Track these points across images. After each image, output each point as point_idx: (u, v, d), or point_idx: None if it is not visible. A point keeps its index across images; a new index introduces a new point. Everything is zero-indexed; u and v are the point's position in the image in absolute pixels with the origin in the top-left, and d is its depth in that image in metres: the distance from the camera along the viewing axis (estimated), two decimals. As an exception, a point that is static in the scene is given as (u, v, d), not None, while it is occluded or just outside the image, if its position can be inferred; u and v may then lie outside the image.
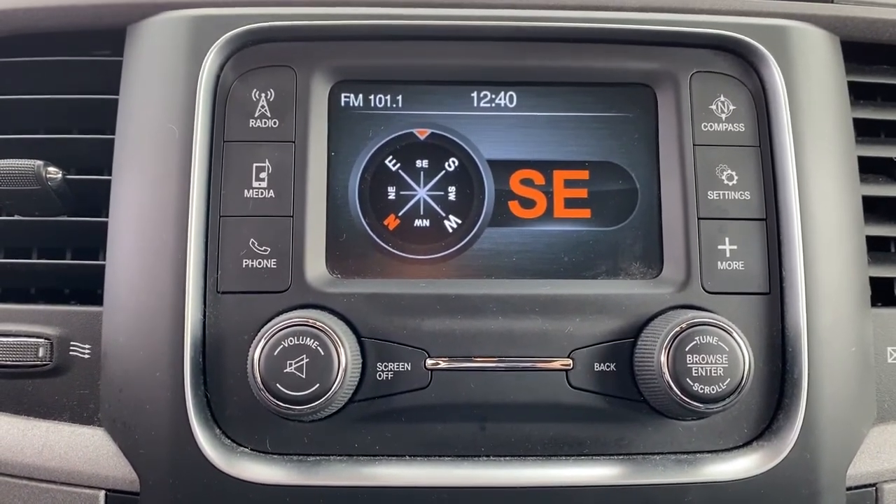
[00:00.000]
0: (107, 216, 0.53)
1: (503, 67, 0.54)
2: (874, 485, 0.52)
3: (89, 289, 0.53)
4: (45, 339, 0.51)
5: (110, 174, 0.54)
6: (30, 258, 0.54)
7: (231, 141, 0.51)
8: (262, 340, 0.46)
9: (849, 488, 0.51)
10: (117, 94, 0.55)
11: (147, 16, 0.54)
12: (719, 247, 0.51)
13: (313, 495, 0.48)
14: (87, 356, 0.51)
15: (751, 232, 0.51)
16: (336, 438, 0.49)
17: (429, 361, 0.49)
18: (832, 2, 0.58)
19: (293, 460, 0.48)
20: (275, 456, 0.48)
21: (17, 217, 0.55)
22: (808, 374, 0.50)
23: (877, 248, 0.59)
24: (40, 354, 0.50)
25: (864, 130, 0.59)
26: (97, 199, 0.54)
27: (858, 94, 0.60)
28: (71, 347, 0.51)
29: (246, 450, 0.49)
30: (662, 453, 0.49)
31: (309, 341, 0.45)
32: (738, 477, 0.49)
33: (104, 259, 0.53)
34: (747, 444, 0.50)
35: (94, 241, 0.54)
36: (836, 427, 0.51)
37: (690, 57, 0.54)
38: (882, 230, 0.57)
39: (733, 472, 0.49)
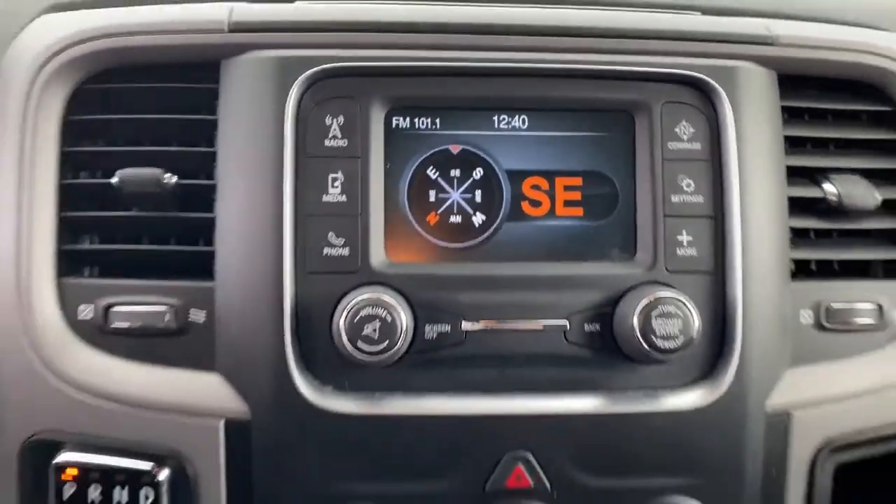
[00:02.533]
0: (210, 212, 0.63)
1: (518, 97, 0.64)
2: (787, 412, 0.64)
3: (200, 268, 0.62)
4: (171, 306, 0.61)
5: (210, 179, 0.63)
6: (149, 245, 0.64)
7: (311, 156, 0.61)
8: (345, 311, 0.58)
9: (768, 414, 0.63)
10: (213, 114, 0.64)
11: (237, 54, 0.62)
12: (678, 238, 0.62)
13: (378, 421, 0.60)
14: (202, 321, 0.61)
15: (702, 227, 0.63)
16: (396, 380, 0.60)
17: (464, 324, 0.60)
18: (772, 45, 0.67)
19: (365, 396, 0.60)
20: (351, 393, 0.60)
21: (140, 213, 0.64)
22: (741, 333, 0.62)
23: (799, 235, 0.69)
24: (167, 319, 0.61)
25: (794, 143, 0.69)
26: (201, 200, 0.63)
27: (791, 113, 0.70)
28: (190, 314, 0.62)
29: (329, 388, 0.60)
30: (634, 388, 0.62)
31: (380, 311, 0.57)
32: (688, 407, 0.61)
33: (212, 246, 0.62)
34: (696, 382, 0.62)
35: (200, 232, 0.63)
36: (760, 370, 0.63)
37: (662, 90, 0.64)
38: (803, 222, 0.68)
39: (685, 403, 0.61)
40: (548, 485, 0.60)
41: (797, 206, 0.67)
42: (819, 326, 0.66)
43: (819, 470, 0.64)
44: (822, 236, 0.70)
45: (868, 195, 0.66)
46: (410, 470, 0.61)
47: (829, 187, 0.67)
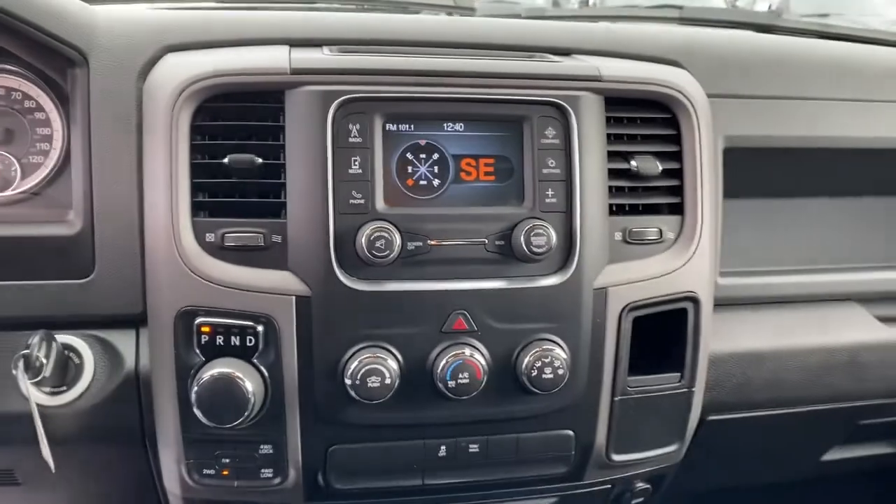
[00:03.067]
0: (281, 179, 0.82)
1: (458, 113, 0.85)
2: (605, 288, 0.88)
3: (276, 212, 0.82)
4: (260, 233, 0.82)
5: (280, 160, 0.82)
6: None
7: (341, 147, 0.81)
8: (363, 236, 0.79)
9: (595, 290, 0.86)
10: (280, 122, 0.82)
11: (295, 87, 0.82)
12: (547, 192, 0.85)
13: (381, 295, 0.82)
14: (280, 241, 0.81)
15: (559, 186, 0.85)
16: (392, 273, 0.82)
17: (429, 241, 0.83)
18: (600, 80, 0.88)
19: (374, 281, 0.82)
20: (367, 280, 0.82)
21: (241, 180, 0.83)
22: (579, 245, 0.84)
23: (618, 190, 0.90)
24: (258, 241, 0.81)
25: (614, 138, 0.89)
26: (276, 172, 0.83)
27: (613, 120, 0.90)
28: (272, 238, 0.81)
29: (355, 278, 0.82)
30: (522, 276, 0.85)
31: (384, 234, 0.79)
32: (550, 284, 0.85)
33: (283, 199, 0.81)
34: (555, 273, 0.86)
35: (275, 191, 0.82)
36: (590, 266, 0.86)
37: (538, 109, 0.85)
38: (618, 183, 0.89)
39: (549, 283, 0.85)
40: (475, 327, 0.84)
41: (614, 174, 0.89)
42: (625, 241, 0.90)
43: (623, 320, 0.89)
44: (632, 191, 0.91)
45: (654, 166, 0.90)
46: (400, 322, 0.83)
47: (633, 162, 0.90)
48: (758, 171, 1.03)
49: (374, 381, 0.82)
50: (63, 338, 0.87)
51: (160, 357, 0.85)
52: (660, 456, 0.98)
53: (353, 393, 0.82)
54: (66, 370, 0.88)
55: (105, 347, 0.89)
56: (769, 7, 1.55)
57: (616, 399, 0.92)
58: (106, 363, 0.89)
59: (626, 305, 0.89)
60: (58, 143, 0.93)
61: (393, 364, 0.83)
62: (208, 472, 0.87)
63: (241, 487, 0.88)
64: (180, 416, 0.84)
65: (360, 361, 0.82)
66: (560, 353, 0.85)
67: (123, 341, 0.89)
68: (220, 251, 0.83)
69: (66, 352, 0.87)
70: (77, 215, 0.86)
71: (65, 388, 0.88)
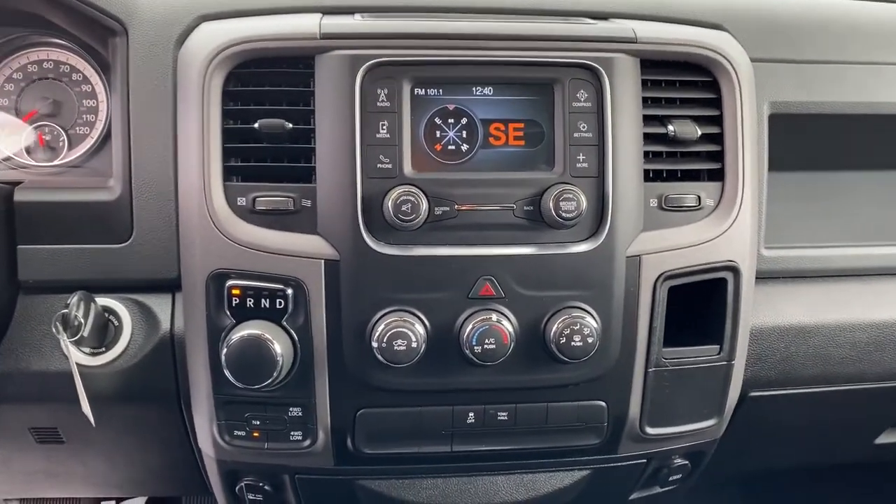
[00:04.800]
0: (311, 144, 0.83)
1: (488, 77, 0.84)
2: (639, 256, 0.86)
3: (306, 177, 0.83)
4: (290, 198, 0.83)
5: (310, 125, 0.83)
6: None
7: (369, 112, 0.81)
8: (390, 199, 0.79)
9: (628, 258, 0.85)
10: (311, 87, 0.83)
11: (325, 52, 0.82)
12: (578, 157, 0.84)
13: (409, 259, 0.82)
14: (309, 206, 0.82)
15: (591, 151, 0.84)
16: (419, 238, 0.82)
17: (456, 206, 0.82)
18: (636, 42, 0.86)
19: (402, 246, 0.82)
20: (395, 245, 0.82)
21: (272, 144, 0.84)
22: (611, 211, 0.83)
23: (655, 155, 0.88)
24: (288, 205, 0.83)
25: (651, 101, 0.87)
26: (305, 137, 0.83)
27: (650, 83, 0.88)
28: (302, 202, 0.83)
29: (382, 242, 0.82)
30: (552, 243, 0.84)
31: (410, 198, 0.79)
32: (583, 251, 0.83)
33: (313, 163, 0.82)
34: (586, 239, 0.84)
35: (305, 156, 0.83)
36: (622, 233, 0.85)
37: (570, 72, 0.84)
38: (654, 148, 0.87)
39: (581, 249, 0.84)
40: (503, 293, 0.84)
41: (650, 138, 0.87)
42: (662, 208, 0.88)
43: (658, 289, 0.87)
44: (669, 157, 0.89)
45: (692, 131, 0.88)
46: (427, 287, 0.83)
47: (670, 127, 0.88)
48: (805, 141, 1.00)
49: (400, 345, 0.82)
50: (103, 301, 0.90)
51: (193, 319, 0.86)
52: (697, 431, 0.97)
53: (379, 356, 0.82)
54: (106, 332, 0.91)
55: (142, 310, 0.92)
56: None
57: (650, 370, 0.90)
58: (143, 326, 0.91)
59: (662, 274, 0.88)
60: (103, 114, 0.98)
61: (420, 328, 0.83)
62: (239, 433, 0.89)
63: (271, 449, 0.89)
64: (212, 378, 0.86)
65: (386, 325, 0.82)
66: (590, 322, 0.84)
67: (160, 305, 0.92)
68: (250, 215, 0.84)
69: (105, 314, 0.90)
70: (117, 181, 0.89)
71: (104, 349, 0.91)
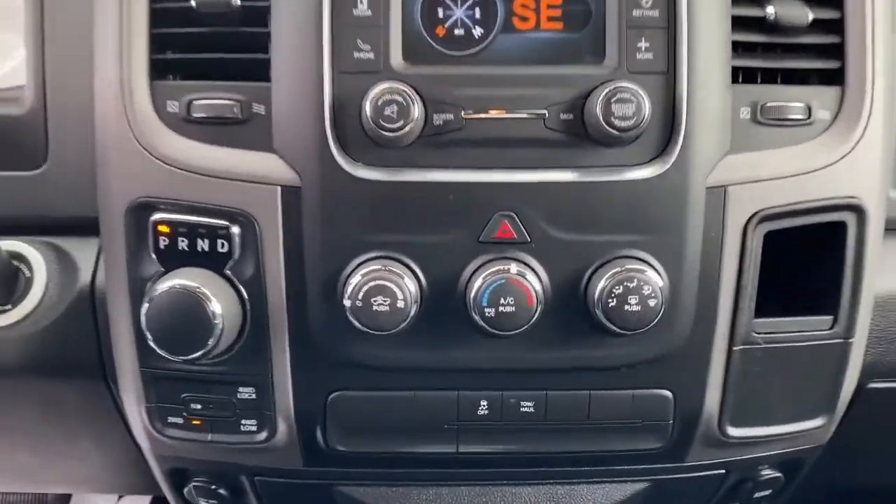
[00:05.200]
0: (266, 27, 0.70)
1: None
2: (724, 187, 0.72)
3: (259, 72, 0.71)
4: (237, 101, 0.70)
5: (265, 1, 0.70)
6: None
7: None
8: (370, 99, 0.66)
9: (708, 188, 0.71)
10: None
11: None
12: (638, 45, 0.69)
13: (397, 186, 0.69)
14: (262, 112, 0.70)
15: (657, 36, 0.69)
16: (411, 157, 0.69)
17: (463, 113, 0.68)
18: None
19: (387, 168, 0.69)
20: (378, 167, 0.69)
21: (213, 28, 0.72)
22: (686, 122, 0.69)
23: (747, 48, 0.74)
24: (234, 111, 0.70)
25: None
26: (259, 17, 0.71)
27: None
28: (252, 107, 0.70)
29: (360, 163, 0.69)
30: (599, 167, 0.70)
31: (397, 97, 0.65)
32: (644, 177, 0.70)
33: (267, 54, 0.70)
34: (650, 161, 0.70)
35: (258, 44, 0.71)
36: (701, 153, 0.71)
37: None
38: (746, 37, 0.73)
39: (641, 175, 0.70)
40: (527, 236, 0.70)
41: (742, 23, 0.73)
42: (756, 121, 0.73)
43: (750, 234, 0.73)
44: (768, 50, 0.75)
45: (802, 14, 0.73)
46: (421, 225, 0.70)
47: (769, 8, 0.72)
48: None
49: (381, 304, 0.67)
50: (10, 244, 0.81)
51: (113, 268, 0.75)
52: (798, 434, 0.82)
53: (353, 319, 0.68)
54: (14, 284, 0.81)
55: (60, 257, 0.81)
56: None
57: (735, 349, 0.76)
58: (60, 276, 0.81)
59: (756, 214, 0.73)
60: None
61: (410, 283, 0.69)
62: (174, 420, 0.77)
63: (217, 442, 0.77)
64: (136, 346, 0.74)
65: (363, 276, 0.68)
66: (653, 278, 0.69)
67: (82, 250, 0.82)
68: (184, 124, 0.72)
69: (13, 261, 0.81)
70: (28, 91, 0.79)
71: (10, 306, 0.81)
